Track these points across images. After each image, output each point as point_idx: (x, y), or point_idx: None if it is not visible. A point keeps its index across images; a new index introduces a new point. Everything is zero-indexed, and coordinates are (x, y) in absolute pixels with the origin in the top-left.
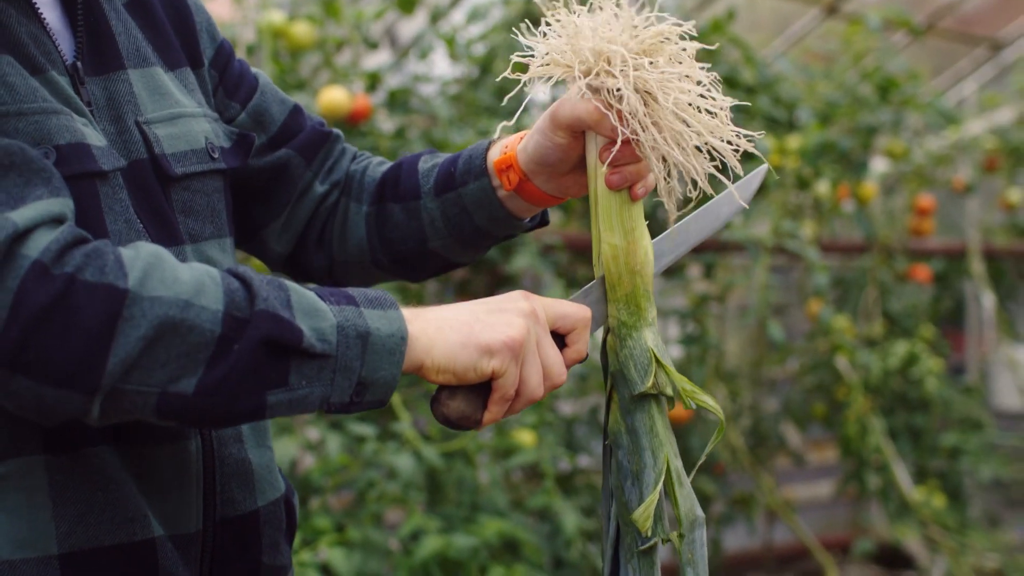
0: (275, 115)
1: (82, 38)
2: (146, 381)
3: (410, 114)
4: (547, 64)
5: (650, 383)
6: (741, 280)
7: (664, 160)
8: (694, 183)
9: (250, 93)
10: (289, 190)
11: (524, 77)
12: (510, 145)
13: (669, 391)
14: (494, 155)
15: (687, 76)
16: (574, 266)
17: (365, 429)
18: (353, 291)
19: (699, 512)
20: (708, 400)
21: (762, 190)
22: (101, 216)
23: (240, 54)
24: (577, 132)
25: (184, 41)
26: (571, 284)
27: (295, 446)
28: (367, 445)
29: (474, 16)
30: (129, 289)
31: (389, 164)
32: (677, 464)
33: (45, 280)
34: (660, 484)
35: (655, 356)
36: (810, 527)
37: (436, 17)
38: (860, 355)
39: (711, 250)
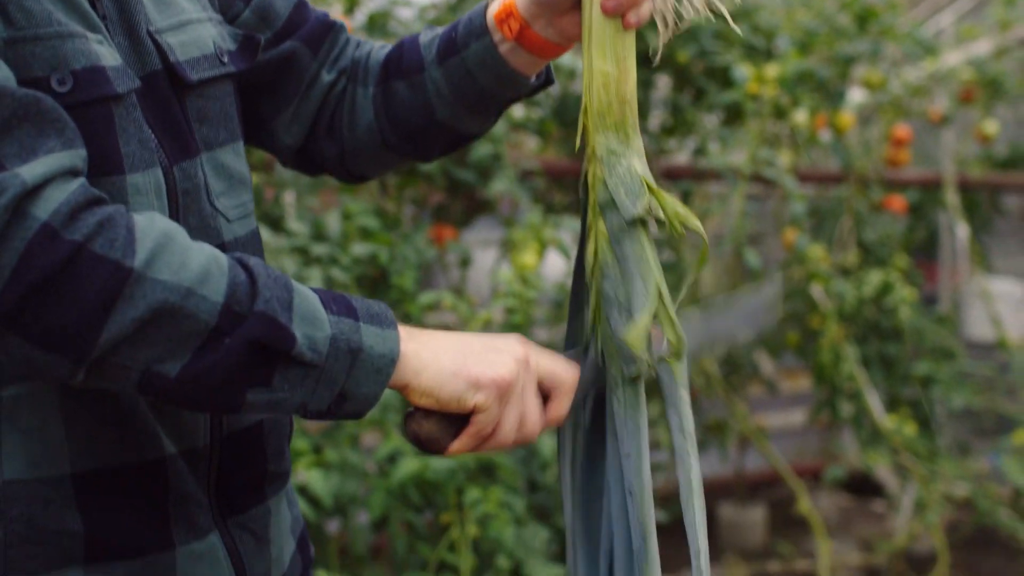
0: (279, 9)
1: None
2: (133, 357)
3: (389, 37)
4: None
5: (643, 207)
6: (717, 208)
7: None
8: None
9: None
10: (297, 82)
11: None
12: None
13: (661, 215)
14: (493, 9)
15: None
16: (551, 192)
17: None
18: (356, 302)
19: (688, 341)
20: (696, 224)
21: (739, 118)
22: (115, 140)
23: None
24: None
25: None
26: (548, 210)
27: None
28: None
29: None
30: (135, 268)
31: (391, 46)
32: (666, 291)
33: (53, 244)
34: (651, 312)
35: (646, 181)
36: (782, 455)
37: None
38: (835, 284)
39: (687, 178)
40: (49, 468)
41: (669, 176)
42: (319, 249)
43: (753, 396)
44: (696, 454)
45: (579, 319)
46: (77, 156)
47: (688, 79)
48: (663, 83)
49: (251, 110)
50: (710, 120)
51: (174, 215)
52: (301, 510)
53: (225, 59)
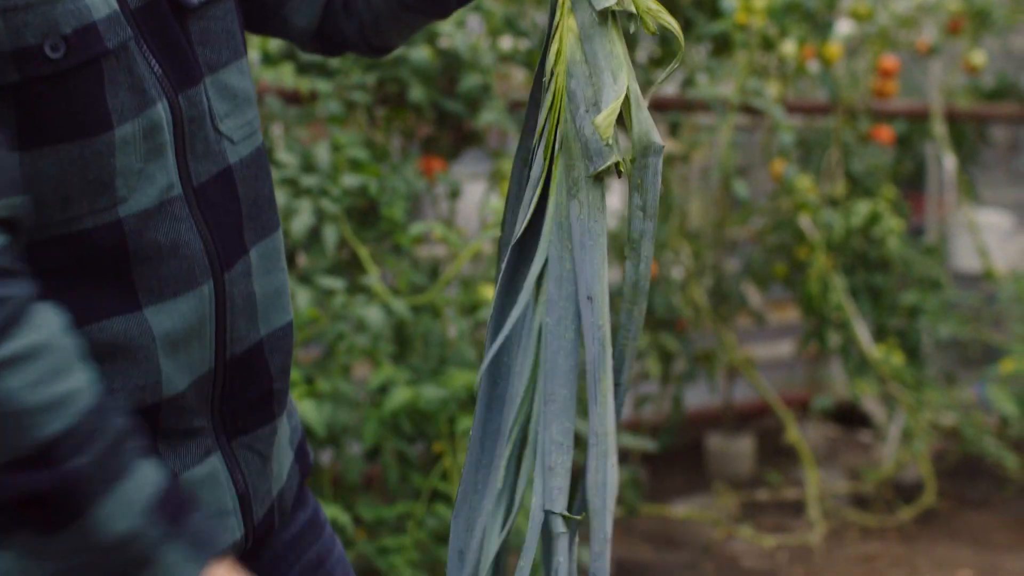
0: None
1: None
2: None
3: None
4: None
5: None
6: (705, 139)
7: None
8: None
9: None
10: None
11: None
12: None
13: (632, 8)
14: None
15: None
16: None
17: (334, 283)
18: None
19: (656, 139)
20: (669, 20)
21: (727, 49)
22: (103, 97)
23: None
24: None
25: None
26: None
27: None
28: (336, 298)
29: None
30: None
31: None
32: (635, 87)
33: None
34: (622, 98)
35: None
36: (770, 385)
37: None
38: (822, 214)
39: (675, 108)
40: None
41: (658, 107)
42: (309, 180)
43: (741, 327)
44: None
45: (533, 130)
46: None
47: (676, 9)
48: None
49: (257, 2)
50: (699, 52)
51: (179, 145)
52: None
53: None
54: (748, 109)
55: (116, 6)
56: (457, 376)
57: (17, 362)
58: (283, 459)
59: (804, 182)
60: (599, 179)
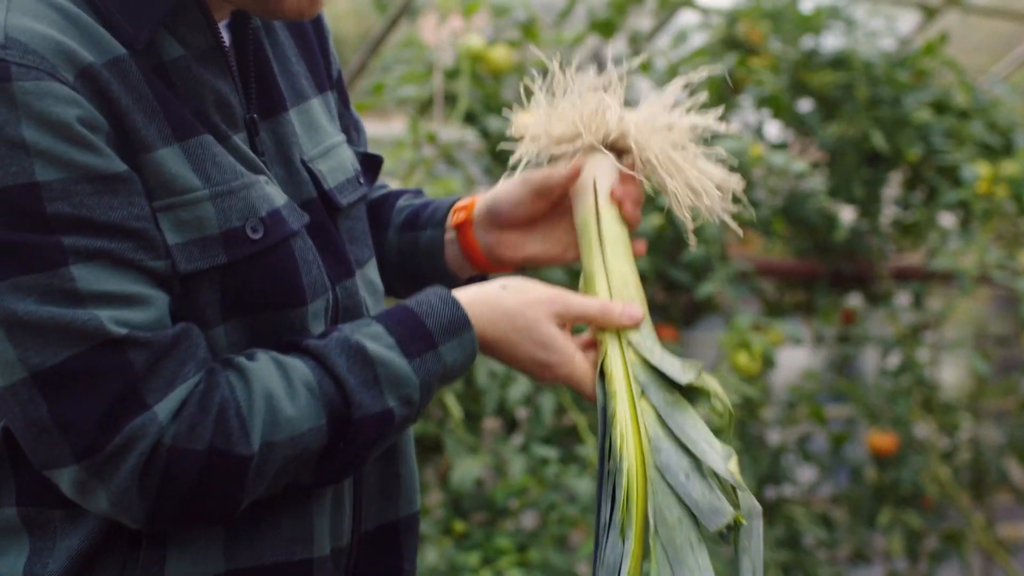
0: (361, 130)
1: (252, 85)
2: (271, 489)
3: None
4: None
5: (695, 374)
6: (950, 309)
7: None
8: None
9: (347, 104)
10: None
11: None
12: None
13: (709, 386)
14: (459, 200)
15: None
16: (781, 291)
17: (548, 452)
18: (432, 324)
19: (756, 504)
20: (728, 403)
21: (980, 218)
22: (298, 275)
23: (439, 78)
24: (544, 194)
25: (325, 61)
26: (773, 310)
27: (479, 466)
28: (549, 467)
29: (679, 39)
30: (254, 455)
31: (386, 191)
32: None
33: (184, 460)
34: (734, 457)
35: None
36: None
37: (636, 40)
38: None
39: (916, 279)
40: (206, 565)
41: (900, 276)
42: None
43: (1002, 505)
44: None
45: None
46: (203, 362)
47: (920, 177)
48: (895, 180)
49: None
50: (945, 219)
51: None
52: None
53: (361, 180)
54: (989, 280)
55: (288, 198)
56: None
57: (269, 431)
58: None
59: None
60: (702, 543)
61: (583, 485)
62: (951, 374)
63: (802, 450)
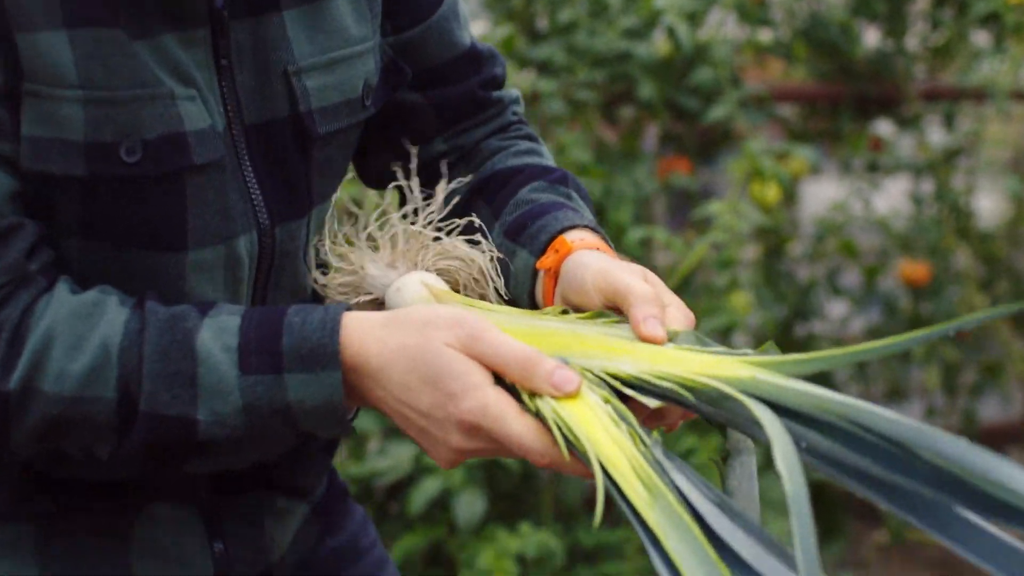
0: (432, 53)
1: None
2: (58, 445)
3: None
4: None
5: None
6: (983, 129)
7: None
8: None
9: (416, 20)
10: (405, 134)
11: None
12: (586, 242)
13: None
14: (572, 236)
15: None
16: (803, 118)
17: None
18: (289, 343)
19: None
20: None
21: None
22: (183, 216)
23: None
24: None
25: None
26: (798, 136)
27: None
28: None
29: None
30: (11, 393)
31: (521, 159)
32: None
33: None
34: None
35: None
36: None
37: None
38: None
39: (947, 99)
40: None
41: (929, 97)
42: None
43: None
44: None
45: None
46: (13, 268)
47: None
48: None
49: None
50: (977, 37)
51: (261, 278)
52: None
53: (368, 101)
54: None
55: (221, 120)
56: None
57: (36, 371)
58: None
59: None
60: None
61: None
62: (988, 201)
63: (832, 284)
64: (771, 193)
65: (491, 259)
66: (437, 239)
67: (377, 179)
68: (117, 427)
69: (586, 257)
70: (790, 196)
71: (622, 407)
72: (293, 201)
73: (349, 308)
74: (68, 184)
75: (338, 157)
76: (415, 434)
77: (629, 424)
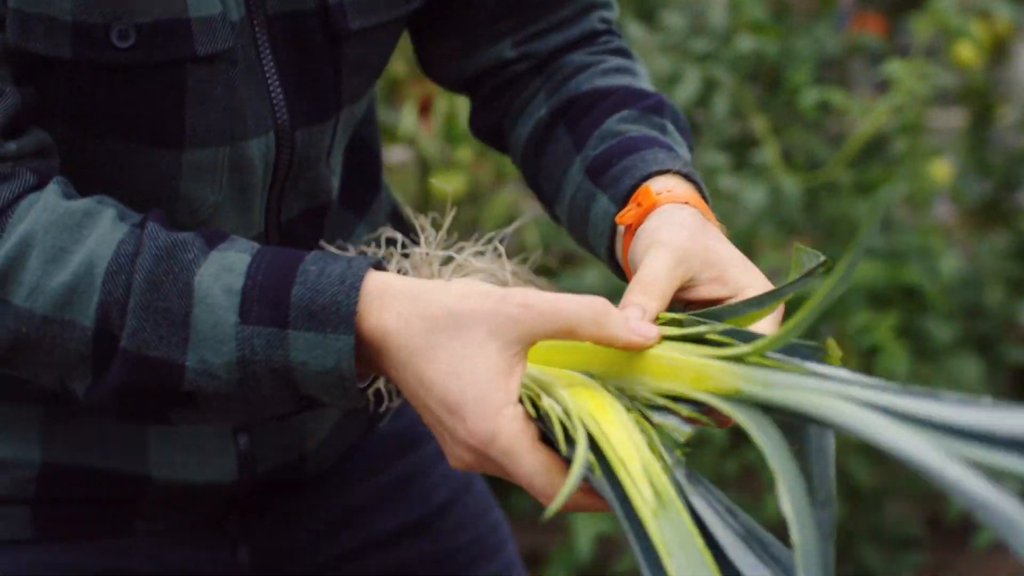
0: None
1: None
2: (26, 374)
3: None
4: None
5: None
6: None
7: None
8: None
9: None
10: (461, 31)
11: None
12: (674, 195)
13: None
14: (659, 187)
15: None
16: None
17: (716, 158)
18: (299, 296)
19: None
20: None
21: None
22: (180, 111)
23: None
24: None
25: None
26: None
27: None
28: (720, 177)
29: None
30: None
31: (610, 79)
32: None
33: None
34: None
35: None
36: None
37: None
38: None
39: None
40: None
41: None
42: (698, 45)
43: None
44: None
45: None
46: None
47: None
48: None
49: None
50: None
51: (277, 185)
52: None
53: None
54: None
55: (240, 8)
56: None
57: (4, 280)
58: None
59: None
60: None
61: (753, 192)
62: None
63: None
64: (966, 54)
65: (511, 272)
66: (449, 259)
67: (451, 81)
68: (92, 363)
69: (664, 217)
70: (999, 58)
71: (646, 424)
72: (318, 103)
73: (380, 261)
74: (55, 68)
75: (373, 57)
76: (429, 425)
77: (650, 438)
